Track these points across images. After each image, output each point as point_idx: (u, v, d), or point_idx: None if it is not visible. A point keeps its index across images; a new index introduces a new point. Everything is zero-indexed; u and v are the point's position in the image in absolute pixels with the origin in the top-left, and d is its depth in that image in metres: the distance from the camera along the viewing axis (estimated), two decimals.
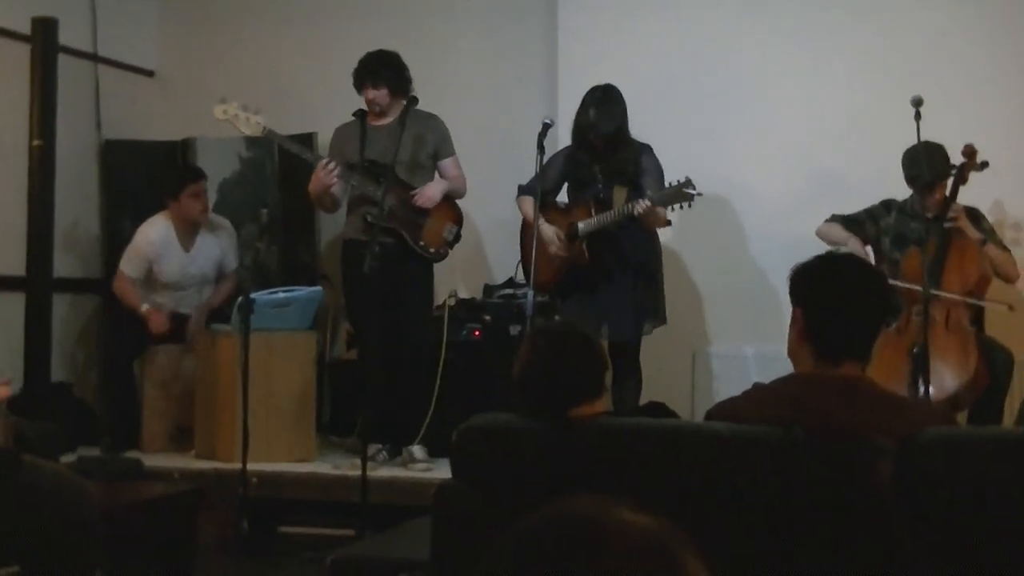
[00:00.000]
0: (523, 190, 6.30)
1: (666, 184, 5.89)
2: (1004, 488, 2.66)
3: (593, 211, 6.06)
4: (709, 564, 1.24)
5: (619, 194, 6.07)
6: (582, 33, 7.29)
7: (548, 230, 6.12)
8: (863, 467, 2.71)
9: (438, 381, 6.50)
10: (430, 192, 6.36)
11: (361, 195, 6.34)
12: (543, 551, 1.21)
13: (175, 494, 5.54)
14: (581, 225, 6.03)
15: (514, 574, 1.21)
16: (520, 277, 6.74)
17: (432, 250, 6.40)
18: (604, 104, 6.13)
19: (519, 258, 6.50)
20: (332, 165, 6.27)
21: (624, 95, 6.79)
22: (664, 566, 1.21)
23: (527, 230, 6.29)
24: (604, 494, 1.26)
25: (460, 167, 6.54)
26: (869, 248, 6.16)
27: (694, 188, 5.69)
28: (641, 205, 5.82)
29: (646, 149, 6.20)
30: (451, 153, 6.52)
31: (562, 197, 6.37)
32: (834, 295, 2.94)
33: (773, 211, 6.93)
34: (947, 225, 5.84)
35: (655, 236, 6.30)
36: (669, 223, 6.24)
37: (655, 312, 6.28)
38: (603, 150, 6.15)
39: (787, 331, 3.03)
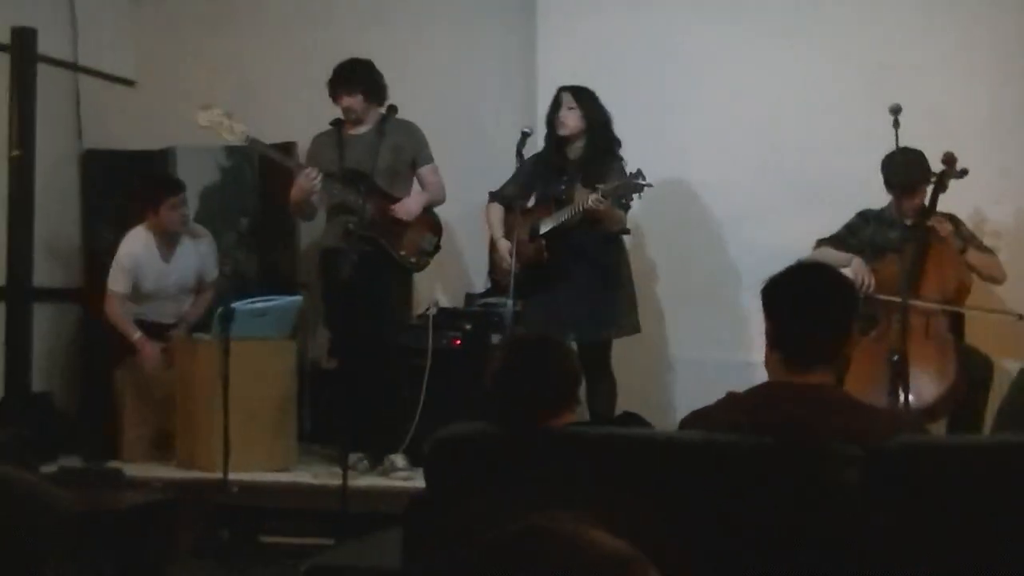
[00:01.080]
0: (492, 197, 6.35)
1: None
2: (972, 495, 2.67)
3: (553, 209, 6.06)
4: None
5: (580, 193, 6.06)
6: (562, 38, 7.28)
7: (503, 246, 6.13)
8: (831, 474, 2.72)
9: (424, 389, 6.50)
10: (410, 205, 6.38)
11: (340, 204, 6.35)
12: (510, 567, 1.22)
13: (155, 503, 5.53)
14: (541, 225, 6.02)
15: None
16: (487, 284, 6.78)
17: (412, 260, 6.42)
18: (576, 101, 6.15)
19: (488, 267, 6.56)
20: (313, 173, 6.29)
21: (602, 95, 6.82)
22: None
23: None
24: (575, 512, 1.27)
25: (438, 174, 6.55)
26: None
27: (644, 178, 5.73)
28: (592, 198, 5.81)
29: (619, 162, 6.18)
30: (429, 160, 6.53)
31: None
32: (796, 303, 2.98)
33: (754, 218, 6.93)
34: (929, 224, 5.84)
35: (620, 242, 6.29)
36: (628, 231, 6.24)
37: (621, 319, 6.26)
38: (570, 149, 6.16)
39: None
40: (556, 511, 1.31)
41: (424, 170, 6.52)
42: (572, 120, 6.15)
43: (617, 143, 6.27)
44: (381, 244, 6.30)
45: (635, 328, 6.34)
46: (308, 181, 6.30)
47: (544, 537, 1.25)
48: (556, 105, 6.22)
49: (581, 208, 5.91)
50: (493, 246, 6.38)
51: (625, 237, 6.39)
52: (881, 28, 6.87)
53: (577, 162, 6.21)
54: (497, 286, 6.53)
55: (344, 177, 6.33)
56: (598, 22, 7.26)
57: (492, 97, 7.36)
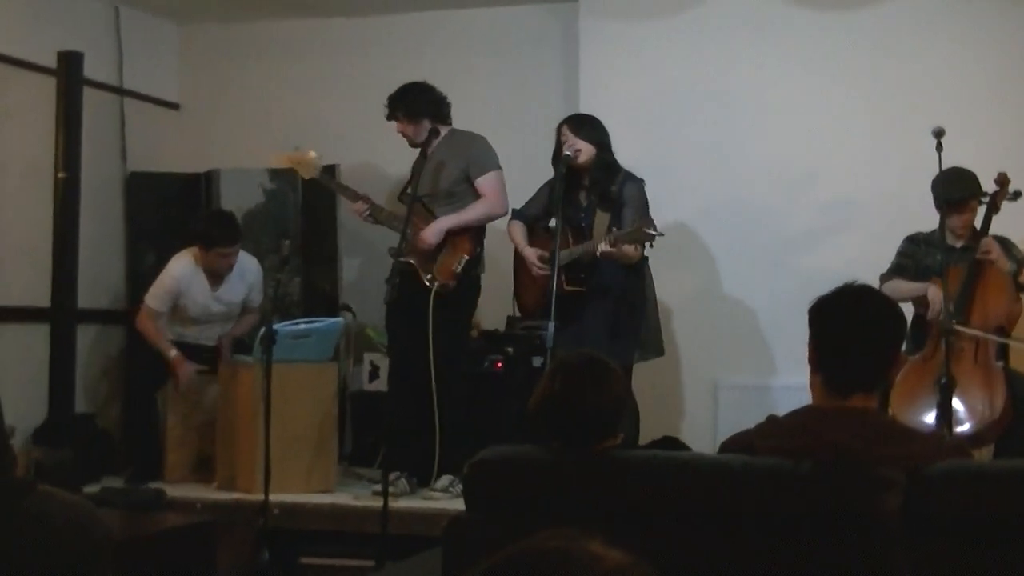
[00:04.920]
0: (515, 215, 6.36)
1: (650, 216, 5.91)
2: (1012, 522, 2.64)
3: (571, 240, 6.03)
4: None
5: (601, 220, 6.05)
6: (604, 68, 7.30)
7: (531, 252, 6.18)
8: (872, 498, 2.69)
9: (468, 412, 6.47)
10: (428, 233, 6.29)
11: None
12: None
13: (196, 524, 5.54)
14: (560, 256, 5.85)
15: None
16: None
17: (437, 283, 6.29)
18: (579, 132, 6.11)
19: (513, 291, 6.54)
20: (362, 207, 6.50)
21: (645, 125, 6.80)
22: None
23: (518, 256, 6.36)
24: (577, 528, 1.26)
25: (495, 184, 6.39)
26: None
27: (655, 228, 5.68)
28: (603, 246, 5.81)
29: (632, 179, 6.16)
30: (484, 171, 6.38)
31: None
32: (841, 329, 2.95)
33: (795, 241, 6.92)
34: (979, 257, 5.78)
35: (641, 269, 6.22)
36: (645, 258, 6.17)
37: (643, 341, 6.21)
38: (588, 176, 6.13)
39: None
40: (585, 531, 1.30)
41: (478, 182, 6.39)
42: (583, 147, 6.10)
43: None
44: (414, 267, 6.28)
45: (659, 351, 6.31)
46: (357, 215, 6.54)
47: (544, 555, 1.24)
48: (560, 139, 6.15)
49: (597, 252, 5.87)
50: (518, 268, 6.37)
51: (666, 261, 6.37)
52: (921, 51, 6.84)
53: (591, 187, 6.17)
54: (524, 310, 6.49)
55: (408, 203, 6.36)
56: (639, 52, 7.27)
57: (535, 124, 7.34)
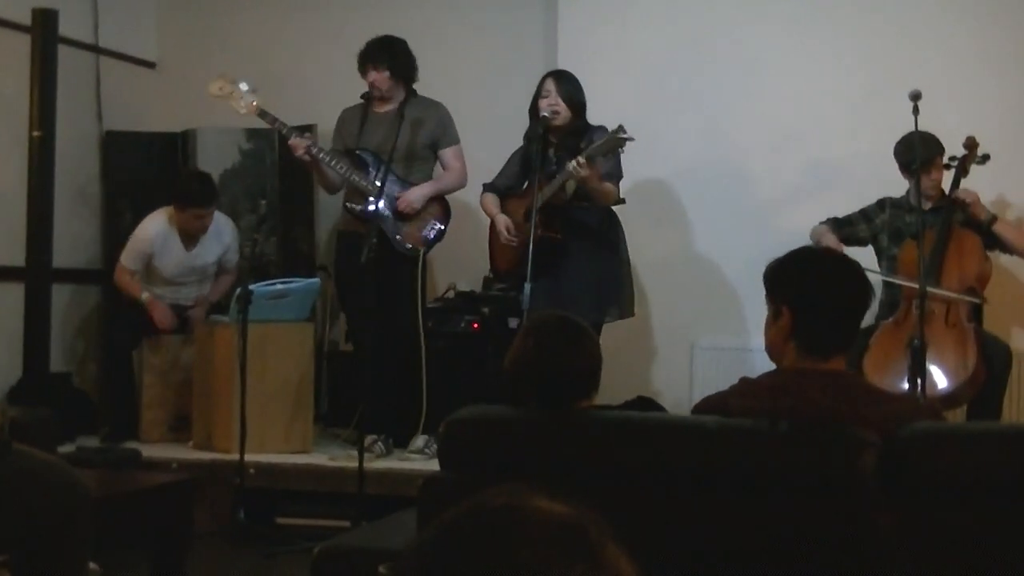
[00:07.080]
0: (486, 188, 6.32)
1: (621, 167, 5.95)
2: (987, 482, 2.67)
3: (545, 186, 5.93)
4: (631, 552, 1.23)
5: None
6: (582, 24, 7.27)
7: (501, 221, 6.14)
8: (848, 460, 2.71)
9: (442, 373, 6.47)
10: (411, 198, 6.30)
11: (353, 186, 6.35)
12: (460, 544, 1.21)
13: (172, 483, 5.53)
14: (535, 202, 5.84)
15: (434, 569, 1.21)
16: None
17: (408, 246, 6.30)
18: (562, 91, 6.04)
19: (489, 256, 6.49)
20: (301, 143, 6.30)
21: (623, 84, 6.77)
22: (581, 553, 1.20)
23: (493, 226, 6.30)
24: (522, 484, 1.25)
25: (461, 157, 6.47)
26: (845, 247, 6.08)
27: (625, 132, 5.60)
28: (574, 163, 5.69)
29: (600, 129, 6.02)
30: (452, 142, 6.45)
31: None
32: (821, 294, 2.95)
33: (774, 202, 6.93)
34: (955, 196, 5.82)
35: (617, 218, 6.20)
36: (623, 200, 6.13)
37: (619, 300, 6.15)
38: (557, 136, 6.07)
39: None
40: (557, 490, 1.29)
41: (445, 153, 6.45)
42: (561, 109, 6.04)
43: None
44: (382, 229, 6.20)
45: (631, 311, 6.23)
46: (295, 150, 6.32)
47: (491, 513, 1.23)
48: (541, 93, 6.09)
49: (565, 174, 5.77)
50: (492, 236, 6.30)
51: (644, 220, 6.34)
52: (902, 14, 6.83)
53: (560, 146, 6.08)
54: (497, 274, 6.49)
55: (357, 157, 6.31)
56: (619, 7, 7.23)
57: (513, 82, 7.32)
